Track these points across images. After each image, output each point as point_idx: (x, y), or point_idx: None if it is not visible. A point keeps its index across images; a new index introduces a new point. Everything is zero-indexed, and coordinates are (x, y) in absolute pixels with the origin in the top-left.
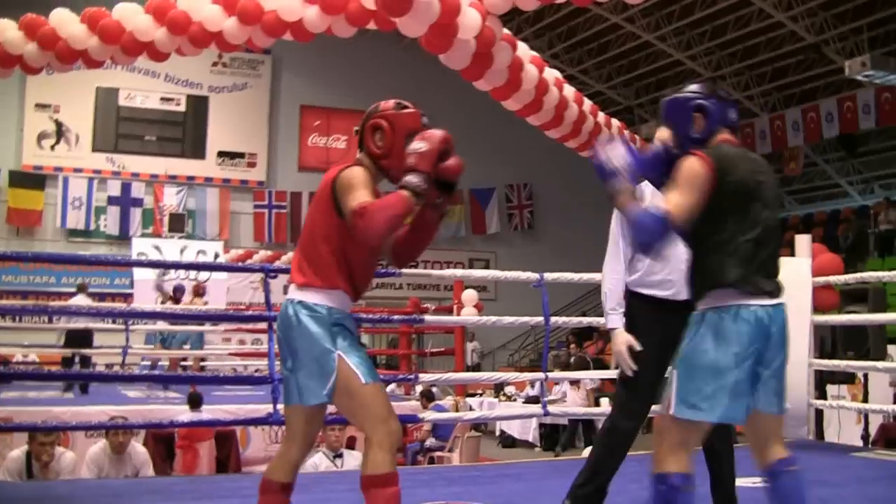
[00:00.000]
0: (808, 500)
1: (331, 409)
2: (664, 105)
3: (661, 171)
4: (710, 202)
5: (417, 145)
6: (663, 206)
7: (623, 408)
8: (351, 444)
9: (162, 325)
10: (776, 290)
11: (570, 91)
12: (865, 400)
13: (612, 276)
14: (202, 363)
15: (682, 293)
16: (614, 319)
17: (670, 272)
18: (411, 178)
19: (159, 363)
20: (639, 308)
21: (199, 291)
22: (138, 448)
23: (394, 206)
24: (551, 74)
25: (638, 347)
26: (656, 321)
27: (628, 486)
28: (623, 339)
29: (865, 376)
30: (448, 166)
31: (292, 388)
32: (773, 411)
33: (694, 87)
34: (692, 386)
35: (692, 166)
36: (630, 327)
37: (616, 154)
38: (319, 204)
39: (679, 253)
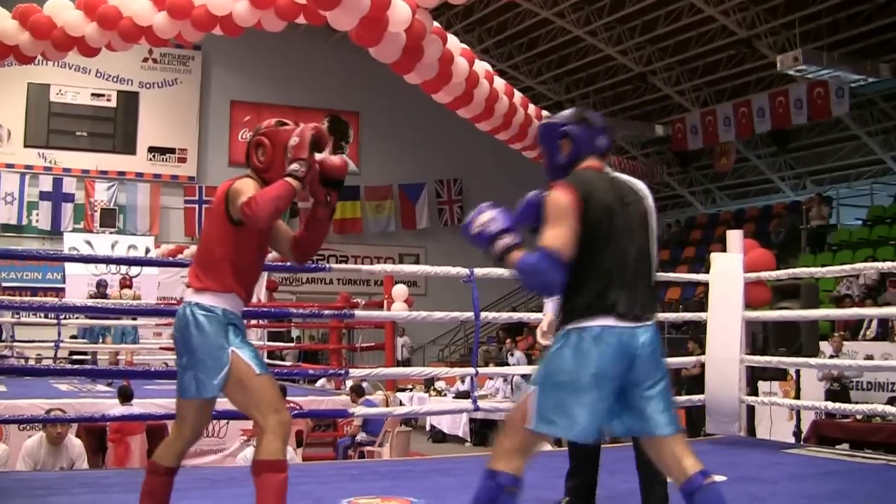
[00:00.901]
0: (739, 499)
1: None
2: (538, 130)
3: (537, 217)
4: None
5: (292, 140)
6: (541, 246)
7: None
8: None
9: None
10: (642, 313)
11: (500, 83)
12: (797, 396)
13: None
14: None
15: None
16: (547, 306)
17: None
18: (292, 166)
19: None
20: None
21: (125, 284)
22: (74, 440)
23: (276, 189)
24: (481, 67)
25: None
26: None
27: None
28: (543, 322)
29: (797, 372)
30: (332, 164)
31: (188, 383)
32: (664, 433)
33: (565, 113)
34: (550, 403)
35: (556, 198)
36: None
37: (486, 220)
38: (214, 214)
39: None
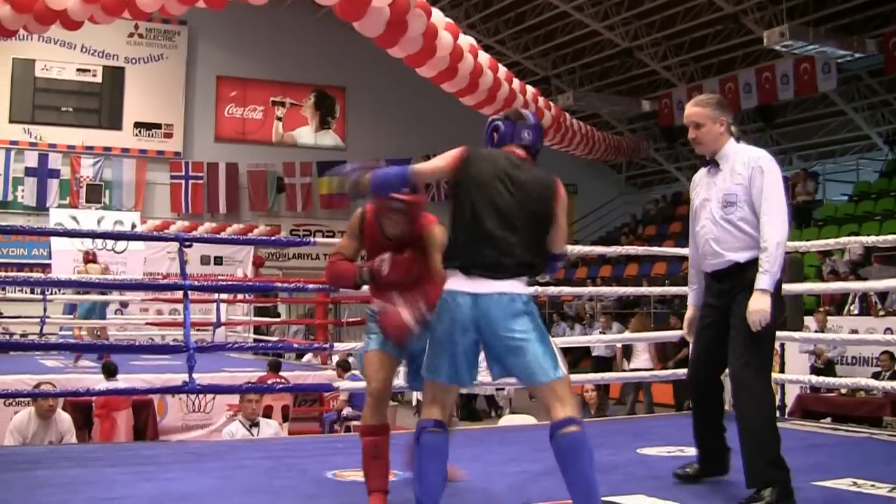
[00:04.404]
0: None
1: (247, 377)
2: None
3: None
4: (451, 190)
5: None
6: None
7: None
8: (267, 413)
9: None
10: (489, 276)
11: (484, 58)
12: (782, 370)
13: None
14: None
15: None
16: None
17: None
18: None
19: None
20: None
21: (88, 259)
22: (63, 415)
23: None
24: (466, 41)
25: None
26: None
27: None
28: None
29: (782, 346)
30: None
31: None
32: (532, 383)
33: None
34: (428, 353)
35: (453, 150)
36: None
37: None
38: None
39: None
